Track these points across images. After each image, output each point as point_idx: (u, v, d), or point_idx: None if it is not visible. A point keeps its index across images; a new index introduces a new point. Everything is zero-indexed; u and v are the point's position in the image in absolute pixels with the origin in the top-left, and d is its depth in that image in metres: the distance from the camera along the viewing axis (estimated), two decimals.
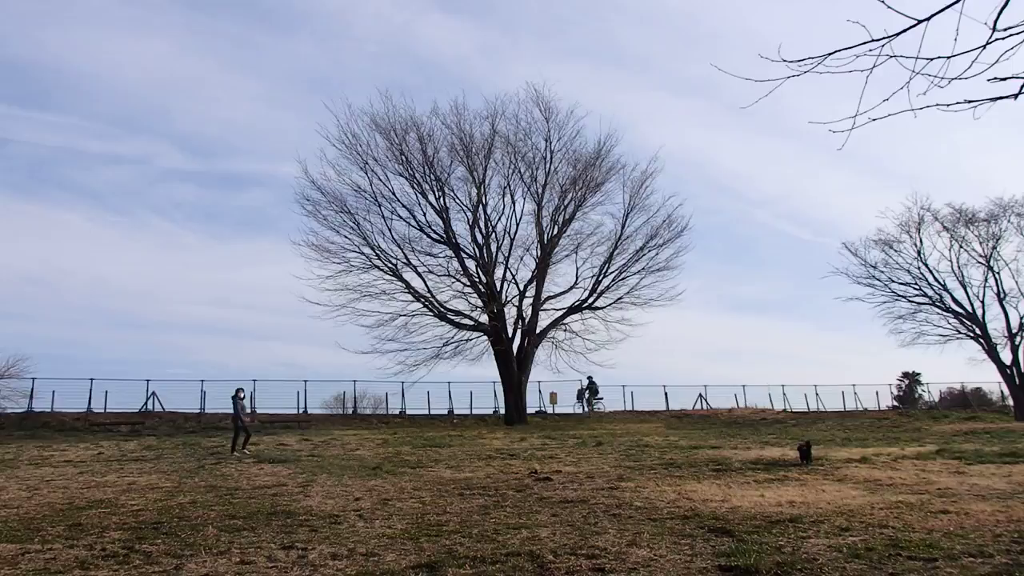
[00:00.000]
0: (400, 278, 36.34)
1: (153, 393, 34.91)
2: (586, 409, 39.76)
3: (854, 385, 47.47)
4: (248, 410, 23.18)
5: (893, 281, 47.35)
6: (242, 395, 22.62)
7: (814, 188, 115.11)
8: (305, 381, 36.96)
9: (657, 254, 38.71)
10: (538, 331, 37.79)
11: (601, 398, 39.48)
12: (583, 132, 39.82)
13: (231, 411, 22.18)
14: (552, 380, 40.34)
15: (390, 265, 36.20)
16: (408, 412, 37.73)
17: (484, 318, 36.98)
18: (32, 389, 33.41)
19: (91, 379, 34.31)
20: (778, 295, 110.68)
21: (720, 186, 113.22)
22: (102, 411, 33.59)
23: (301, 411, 36.24)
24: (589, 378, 40.05)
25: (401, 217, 36.81)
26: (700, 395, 43.79)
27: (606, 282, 38.64)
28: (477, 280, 37.38)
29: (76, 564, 7.42)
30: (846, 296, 65.08)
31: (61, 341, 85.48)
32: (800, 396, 45.84)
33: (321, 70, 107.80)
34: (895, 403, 51.64)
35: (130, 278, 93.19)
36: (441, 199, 37.16)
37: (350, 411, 38.39)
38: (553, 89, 35.37)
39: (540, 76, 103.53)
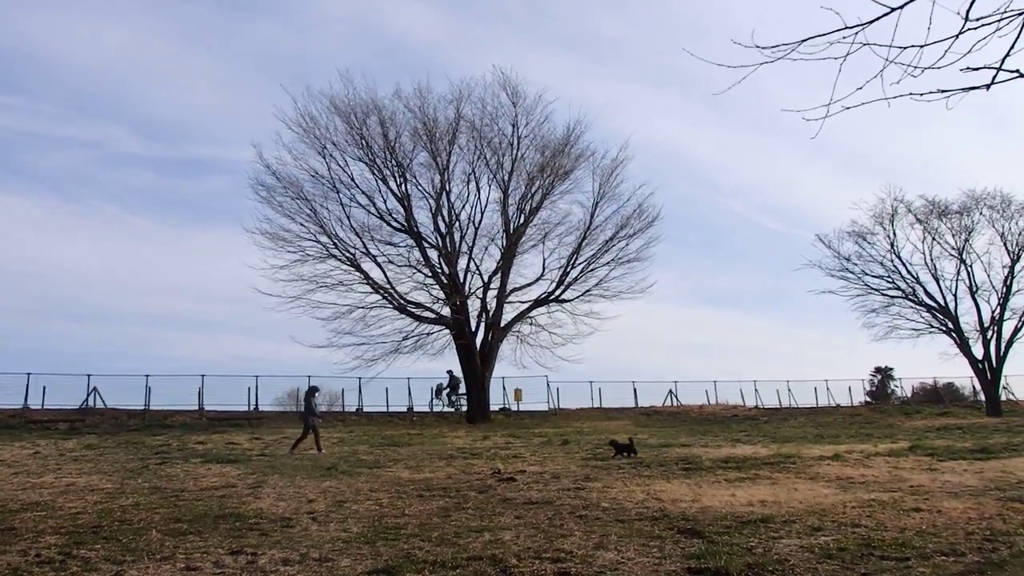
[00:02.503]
0: (358, 268, 36.30)
1: (95, 388, 34.34)
2: (446, 409, 38.98)
3: (827, 381, 48.28)
4: (320, 409, 23.06)
5: (866, 274, 48.33)
6: (318, 394, 22.64)
7: (789, 179, 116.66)
8: (256, 376, 36.95)
9: (627, 245, 39.09)
10: (503, 325, 37.98)
11: (464, 395, 38.99)
12: (552, 118, 40.12)
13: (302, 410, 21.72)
14: (517, 376, 40.61)
15: (348, 255, 36.19)
16: (366, 409, 37.60)
17: (446, 311, 37.05)
18: None
19: (28, 374, 33.73)
20: (752, 288, 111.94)
21: (695, 176, 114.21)
22: (39, 408, 32.97)
23: (252, 408, 35.90)
24: (449, 372, 39.27)
25: (360, 204, 36.81)
26: (670, 391, 44.36)
27: (574, 273, 38.95)
28: (439, 271, 37.41)
29: (9, 572, 7.23)
30: (819, 289, 66.26)
31: None
32: (772, 392, 46.59)
33: (286, 51, 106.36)
34: (868, 399, 52.55)
35: (76, 266, 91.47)
36: (403, 186, 37.23)
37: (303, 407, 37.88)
38: (521, 74, 35.59)
39: (510, 62, 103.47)
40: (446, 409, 38.92)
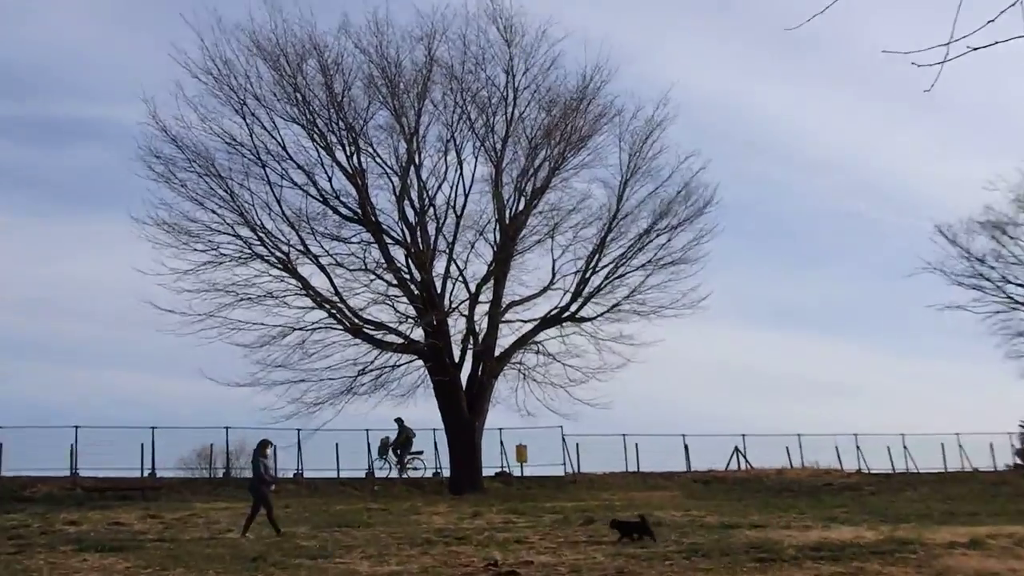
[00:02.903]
0: (294, 274, 36.13)
1: None
2: (392, 471, 38.98)
3: (958, 435, 47.89)
4: (273, 471, 23.31)
5: (1009, 282, 47.95)
6: (269, 450, 22.61)
7: (894, 149, 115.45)
8: (152, 428, 36.59)
9: (670, 240, 38.92)
10: (498, 353, 37.85)
11: (419, 453, 38.87)
12: (562, 62, 39.30)
13: (250, 472, 22.11)
14: (520, 427, 40.30)
15: (279, 254, 36.02)
16: (307, 474, 37.34)
17: (419, 334, 36.90)
18: None
19: None
20: (845, 301, 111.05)
21: (760, 145, 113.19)
22: None
23: (147, 473, 35.66)
24: (398, 421, 38.87)
25: (296, 183, 36.65)
26: (736, 449, 44.12)
27: (596, 281, 38.79)
28: (408, 277, 37.24)
29: None
30: (943, 303, 65.29)
31: None
32: (880, 450, 46.38)
33: None
34: (1019, 460, 51.89)
35: None
36: (354, 157, 37.03)
37: (219, 473, 37.90)
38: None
39: None
40: (392, 475, 38.84)
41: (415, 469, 38.64)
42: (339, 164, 36.84)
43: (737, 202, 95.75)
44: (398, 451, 39.13)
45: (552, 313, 38.60)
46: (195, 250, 34.96)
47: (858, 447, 46.02)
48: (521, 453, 41.05)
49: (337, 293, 36.46)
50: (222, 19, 36.36)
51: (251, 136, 35.90)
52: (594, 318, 38.82)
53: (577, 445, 41.51)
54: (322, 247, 36.69)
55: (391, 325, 37.18)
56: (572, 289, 38.68)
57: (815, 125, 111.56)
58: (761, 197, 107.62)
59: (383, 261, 37.10)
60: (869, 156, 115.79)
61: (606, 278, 38.99)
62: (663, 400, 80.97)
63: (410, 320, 37.13)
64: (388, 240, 37.29)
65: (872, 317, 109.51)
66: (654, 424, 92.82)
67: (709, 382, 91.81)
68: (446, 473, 38.10)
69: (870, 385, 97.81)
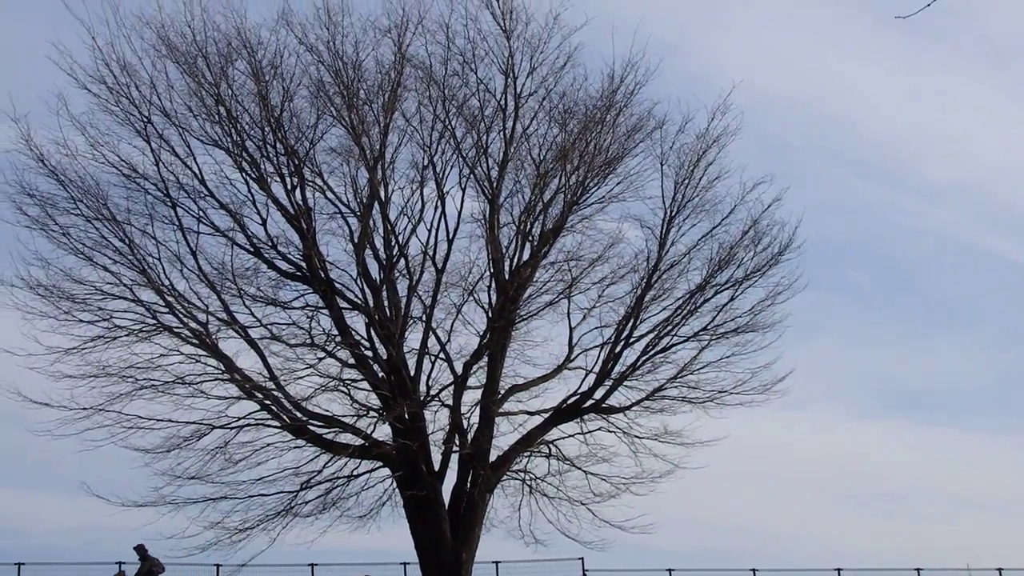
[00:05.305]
0: (214, 352, 31.04)
1: None
2: None
3: None
4: None
5: None
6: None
7: None
8: (19, 565, 35.68)
9: (733, 299, 33.13)
10: (495, 458, 32.48)
11: None
12: (580, 58, 34.15)
13: None
14: (525, 560, 36.64)
15: (194, 326, 30.94)
16: None
17: (385, 432, 31.78)
18: None
19: None
20: (984, 379, 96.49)
21: (859, 165, 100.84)
22: None
23: None
24: (139, 550, 33.81)
25: (217, 228, 31.50)
26: None
27: (630, 357, 32.95)
28: (370, 355, 32.07)
29: None
30: None
31: None
32: None
33: None
34: None
35: None
36: (297, 191, 31.90)
37: None
38: None
39: None
40: None
41: None
42: (276, 201, 31.42)
43: (828, 245, 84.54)
44: None
45: (569, 402, 32.64)
46: (80, 321, 30.35)
47: None
48: None
49: (273, 378, 30.83)
50: (120, 9, 31.20)
51: (157, 166, 30.99)
52: (628, 408, 32.90)
53: None
54: (252, 315, 31.27)
55: (346, 420, 31.49)
56: (597, 368, 32.67)
57: (927, 135, 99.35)
58: (862, 237, 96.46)
59: (336, 333, 31.70)
60: (1005, 176, 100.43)
61: (644, 353, 32.92)
62: (725, 520, 69.93)
63: (373, 413, 31.57)
64: (343, 304, 31.74)
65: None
66: (713, 554, 76.70)
67: (791, 494, 78.30)
68: None
69: None
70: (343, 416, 31.41)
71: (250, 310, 31.23)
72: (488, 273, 32.48)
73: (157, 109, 30.69)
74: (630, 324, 32.81)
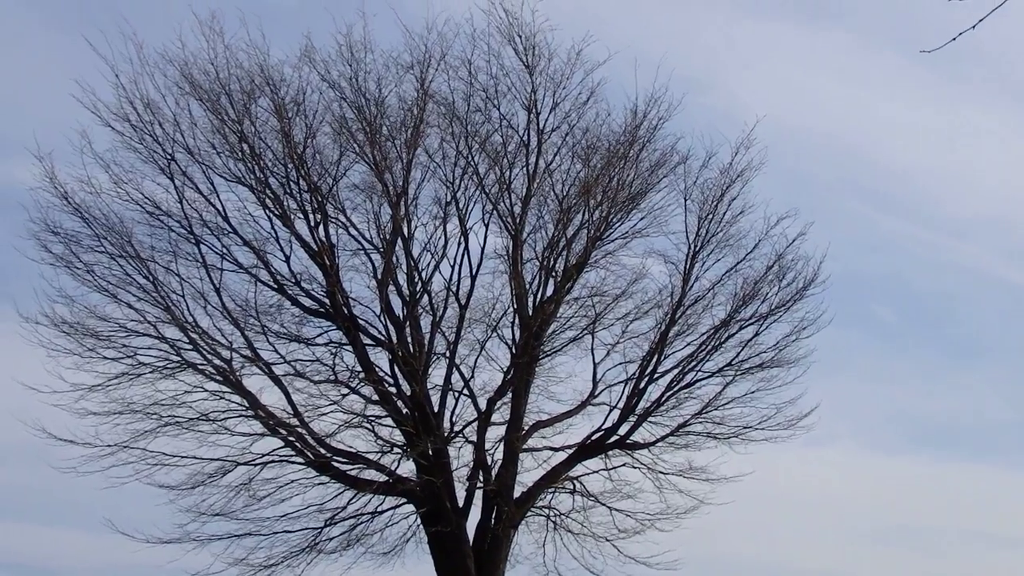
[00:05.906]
0: (238, 388, 30.72)
1: None
2: None
3: None
4: None
5: None
6: None
7: None
8: None
9: (758, 335, 32.85)
10: (519, 494, 31.96)
11: None
12: (603, 93, 33.75)
13: None
14: None
15: (218, 363, 30.67)
16: None
17: (409, 468, 31.48)
18: None
19: None
20: (1017, 414, 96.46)
21: (881, 194, 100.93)
22: None
23: None
24: None
25: (241, 266, 31.18)
26: None
27: (655, 392, 32.54)
28: (394, 391, 31.70)
29: None
30: None
31: None
32: None
33: None
34: None
35: None
36: (321, 228, 31.57)
37: None
38: (544, 9, 30.43)
39: None
40: None
41: None
42: (299, 238, 31.37)
43: (852, 279, 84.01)
44: None
45: (593, 438, 32.54)
46: (105, 358, 30.14)
47: None
48: None
49: (296, 414, 30.85)
50: (143, 46, 31.08)
51: (181, 203, 30.92)
52: (652, 444, 32.77)
53: None
54: (276, 351, 31.22)
55: (370, 457, 31.57)
56: (621, 404, 32.53)
57: (961, 170, 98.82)
58: (887, 271, 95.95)
59: (359, 369, 31.57)
60: None
61: (668, 388, 32.83)
62: (750, 556, 69.47)
63: (397, 450, 31.72)
64: (367, 341, 31.64)
65: None
66: None
67: (816, 530, 78.08)
68: None
69: None
70: (367, 452, 31.48)
71: (274, 347, 31.31)
72: (511, 309, 32.56)
73: (180, 146, 30.69)
74: (654, 360, 32.76)
